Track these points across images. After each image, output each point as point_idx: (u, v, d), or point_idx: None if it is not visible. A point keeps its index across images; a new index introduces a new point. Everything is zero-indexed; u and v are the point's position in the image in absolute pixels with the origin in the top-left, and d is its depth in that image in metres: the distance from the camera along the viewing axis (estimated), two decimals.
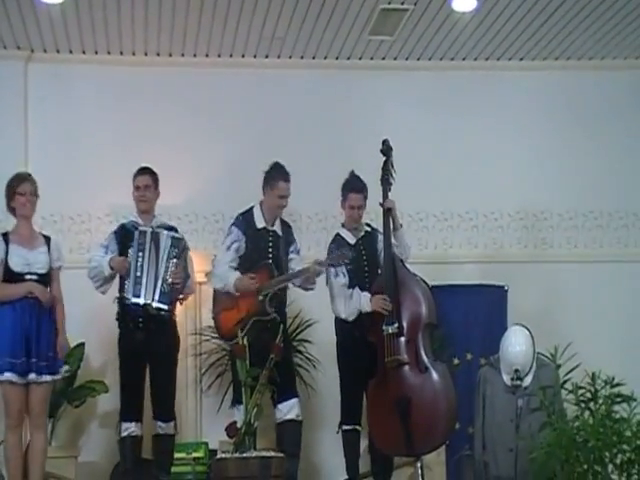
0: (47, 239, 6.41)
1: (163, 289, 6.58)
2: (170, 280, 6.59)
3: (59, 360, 6.27)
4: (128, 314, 6.64)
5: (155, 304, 6.55)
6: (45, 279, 6.28)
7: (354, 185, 6.93)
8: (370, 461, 6.88)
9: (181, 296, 6.79)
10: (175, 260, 6.61)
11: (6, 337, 6.12)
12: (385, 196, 6.86)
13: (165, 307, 6.59)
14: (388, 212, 6.83)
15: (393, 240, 6.83)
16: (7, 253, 6.23)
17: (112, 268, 6.64)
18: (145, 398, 6.74)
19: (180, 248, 6.68)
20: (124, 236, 6.72)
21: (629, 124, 8.76)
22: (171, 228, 6.86)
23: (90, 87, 8.32)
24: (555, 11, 7.75)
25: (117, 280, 6.74)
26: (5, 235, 6.33)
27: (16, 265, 6.22)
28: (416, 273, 6.82)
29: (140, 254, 6.58)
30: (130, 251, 6.62)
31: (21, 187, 6.34)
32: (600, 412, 4.97)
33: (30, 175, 6.50)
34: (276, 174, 6.82)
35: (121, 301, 6.67)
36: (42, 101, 8.24)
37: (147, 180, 6.84)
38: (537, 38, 8.29)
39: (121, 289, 6.68)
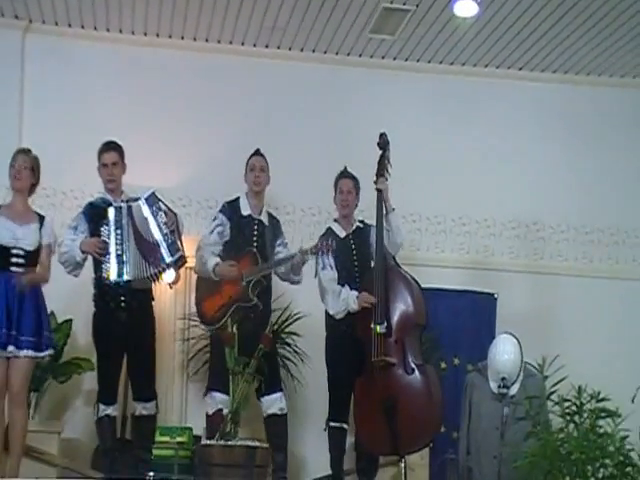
0: (41, 218, 6.33)
1: (168, 242, 6.45)
2: (168, 230, 6.48)
3: (46, 339, 6.19)
4: (108, 294, 6.52)
5: (169, 260, 6.43)
6: (32, 256, 6.19)
7: (345, 174, 7.02)
8: (355, 458, 6.91)
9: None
10: (161, 212, 6.51)
11: None
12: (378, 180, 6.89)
13: (180, 253, 6.49)
14: (380, 194, 6.85)
15: (385, 224, 6.83)
16: None
17: (83, 252, 6.50)
18: None
19: (157, 201, 6.54)
20: (94, 214, 6.57)
21: (624, 141, 8.87)
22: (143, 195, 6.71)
23: (88, 63, 8.30)
24: (555, 24, 7.85)
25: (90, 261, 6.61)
26: None
27: (3, 238, 6.14)
28: (408, 272, 6.85)
29: (118, 231, 6.46)
30: (103, 229, 6.48)
31: (14, 160, 6.31)
32: (585, 426, 5.00)
33: (28, 150, 6.42)
34: (249, 157, 6.92)
35: (99, 281, 6.54)
36: (39, 73, 8.20)
37: (114, 157, 6.70)
38: (536, 49, 8.38)
39: (97, 269, 6.54)
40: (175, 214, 6.64)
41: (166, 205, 6.62)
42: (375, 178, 6.90)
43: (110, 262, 6.45)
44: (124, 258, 6.44)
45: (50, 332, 6.33)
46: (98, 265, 6.53)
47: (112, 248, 6.45)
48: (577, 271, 8.67)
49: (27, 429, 6.29)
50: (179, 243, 6.54)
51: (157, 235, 6.46)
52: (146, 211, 6.49)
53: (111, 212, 6.51)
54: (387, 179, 6.92)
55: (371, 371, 6.58)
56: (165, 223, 6.47)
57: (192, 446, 6.24)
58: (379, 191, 6.86)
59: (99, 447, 6.90)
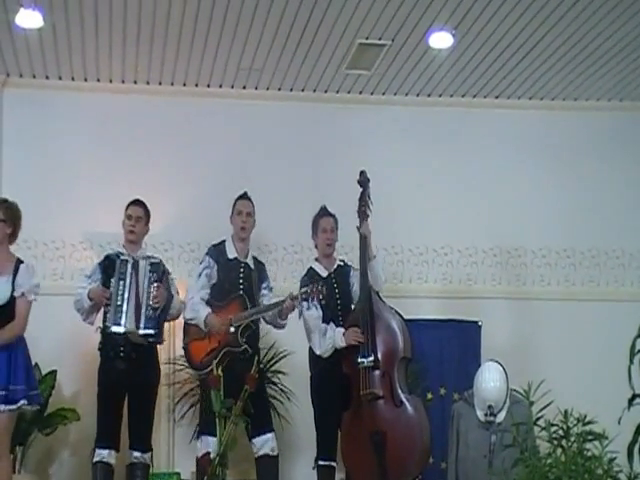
0: (17, 266, 6.04)
1: (148, 314, 6.56)
2: (152, 304, 6.57)
3: (22, 391, 5.94)
4: (109, 343, 6.60)
5: (142, 331, 6.55)
6: (5, 310, 5.97)
7: (323, 212, 7.00)
8: None
9: (168, 317, 6.77)
10: (156, 284, 6.61)
11: None
12: (362, 225, 6.87)
13: (152, 332, 6.57)
14: (364, 240, 6.82)
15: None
16: None
17: (91, 299, 6.61)
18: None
19: (159, 272, 6.68)
20: (108, 266, 6.71)
21: (601, 164, 8.87)
22: (152, 257, 6.87)
23: (66, 113, 8.33)
24: (530, 51, 7.88)
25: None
26: None
27: None
28: (392, 306, 6.83)
29: (121, 282, 6.58)
30: (112, 280, 6.62)
31: None
32: (572, 450, 4.96)
33: (3, 200, 6.28)
34: (235, 199, 6.93)
35: (104, 331, 6.64)
36: (17, 126, 8.23)
37: (140, 212, 6.85)
38: (512, 77, 8.42)
39: (104, 319, 6.65)
40: (172, 295, 6.73)
41: (167, 280, 6.72)
42: (358, 222, 6.87)
43: (110, 312, 6.58)
44: (122, 309, 6.57)
45: (28, 384, 6.02)
46: (105, 314, 6.66)
47: (113, 298, 6.58)
48: (560, 295, 8.68)
49: None
50: (157, 322, 6.62)
51: (144, 300, 6.59)
52: (147, 274, 6.64)
53: (117, 264, 6.66)
54: (369, 215, 6.90)
55: (359, 405, 6.55)
56: (155, 297, 6.59)
57: None
58: (364, 237, 6.83)
59: None
